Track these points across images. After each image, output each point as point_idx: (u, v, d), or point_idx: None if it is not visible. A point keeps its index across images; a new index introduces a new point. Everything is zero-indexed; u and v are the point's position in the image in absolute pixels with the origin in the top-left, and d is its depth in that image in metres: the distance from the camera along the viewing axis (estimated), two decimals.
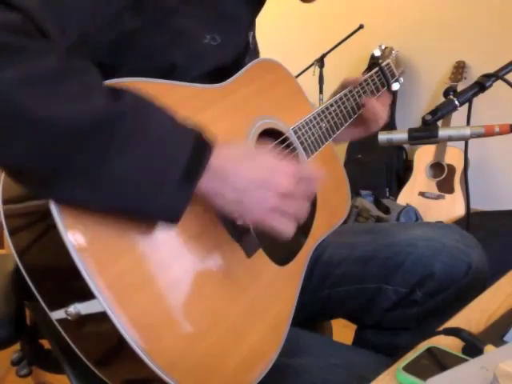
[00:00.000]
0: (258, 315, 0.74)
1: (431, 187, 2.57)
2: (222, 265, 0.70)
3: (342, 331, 1.15)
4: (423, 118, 0.86)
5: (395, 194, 2.71)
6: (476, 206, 2.46)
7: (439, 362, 0.56)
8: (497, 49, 2.47)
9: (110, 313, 0.56)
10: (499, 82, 0.86)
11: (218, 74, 0.81)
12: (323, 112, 0.99)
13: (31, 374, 0.85)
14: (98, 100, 0.56)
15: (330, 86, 1.10)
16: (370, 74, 1.11)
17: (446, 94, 0.89)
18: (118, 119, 0.56)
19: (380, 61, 1.14)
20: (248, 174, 0.65)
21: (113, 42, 0.70)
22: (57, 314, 0.60)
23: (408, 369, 0.54)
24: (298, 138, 0.92)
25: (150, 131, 0.58)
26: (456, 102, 0.86)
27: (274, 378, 0.72)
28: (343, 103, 1.04)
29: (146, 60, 0.74)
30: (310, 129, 0.95)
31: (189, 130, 0.62)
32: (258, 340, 0.72)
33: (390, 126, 2.78)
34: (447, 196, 2.52)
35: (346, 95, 1.05)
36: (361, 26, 2.52)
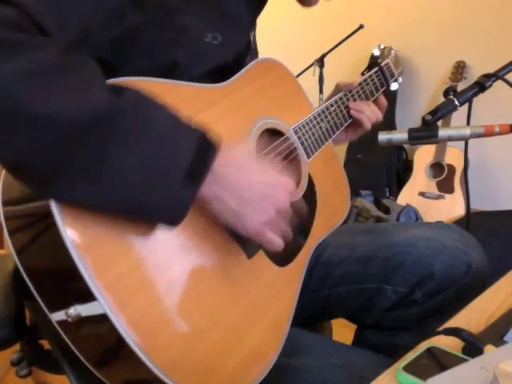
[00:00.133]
0: (258, 315, 0.74)
1: (431, 187, 2.57)
2: (222, 265, 0.70)
3: (342, 331, 1.15)
4: (423, 118, 0.86)
5: (395, 194, 2.70)
6: (476, 205, 2.46)
7: (439, 362, 0.56)
8: (497, 49, 2.47)
9: (110, 315, 0.56)
10: (499, 82, 0.86)
11: (219, 73, 0.81)
12: (323, 112, 0.99)
13: (31, 374, 0.85)
14: (99, 95, 0.55)
15: (330, 86, 1.10)
16: (369, 73, 1.11)
17: (445, 93, 0.89)
18: (118, 115, 0.55)
19: (379, 60, 1.14)
20: (252, 183, 0.65)
21: (114, 40, 0.70)
22: (57, 316, 0.59)
23: (408, 369, 0.54)
24: (299, 138, 0.92)
25: (150, 128, 0.57)
26: (456, 102, 0.86)
27: (273, 377, 0.72)
28: (343, 103, 1.04)
29: (147, 58, 0.73)
30: (310, 129, 0.95)
31: (192, 129, 0.61)
32: (259, 340, 0.72)
33: (390, 126, 2.78)
34: (447, 196, 2.52)
35: (346, 95, 1.05)
36: (361, 26, 2.52)
